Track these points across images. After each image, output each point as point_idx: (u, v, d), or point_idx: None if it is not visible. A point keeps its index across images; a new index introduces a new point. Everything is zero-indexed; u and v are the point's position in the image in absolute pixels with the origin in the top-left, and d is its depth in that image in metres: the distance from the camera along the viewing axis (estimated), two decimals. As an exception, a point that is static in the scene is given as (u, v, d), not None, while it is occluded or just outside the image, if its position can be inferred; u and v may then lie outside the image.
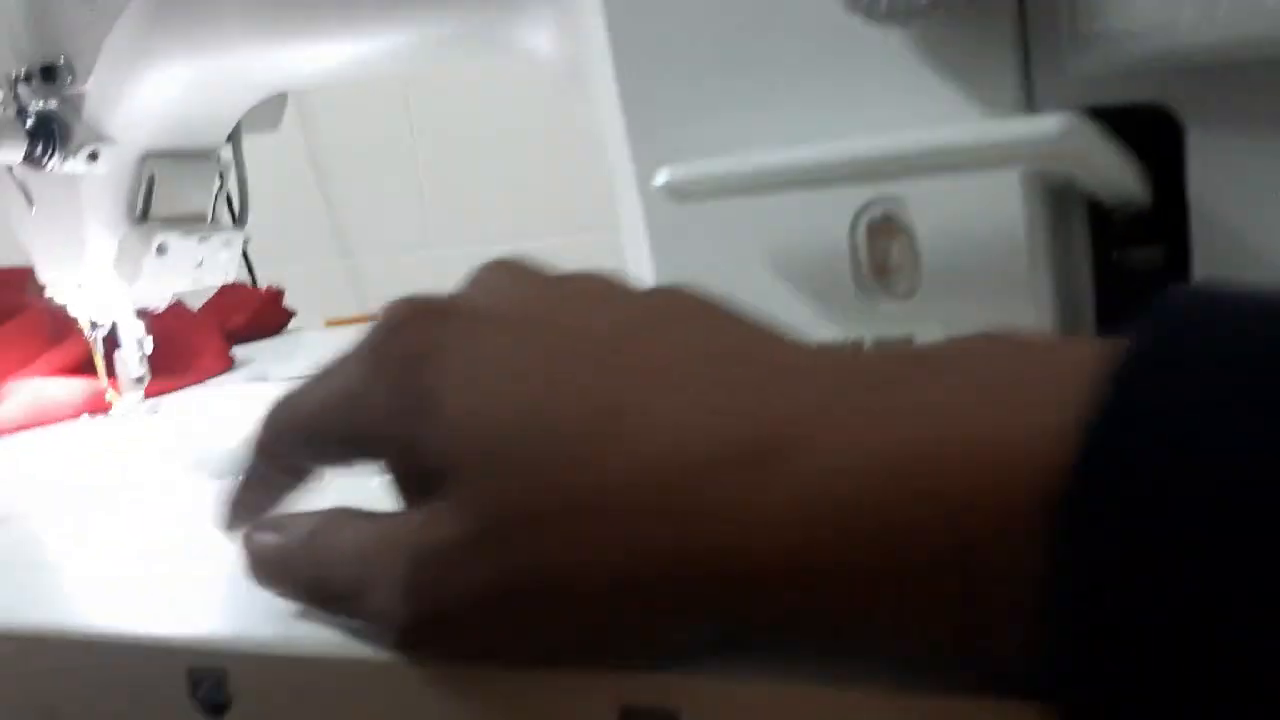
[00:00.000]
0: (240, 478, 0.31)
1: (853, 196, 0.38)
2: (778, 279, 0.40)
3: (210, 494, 0.32)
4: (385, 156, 1.40)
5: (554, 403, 0.24)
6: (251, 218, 0.76)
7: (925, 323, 0.38)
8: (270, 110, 0.65)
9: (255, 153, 0.65)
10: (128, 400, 0.62)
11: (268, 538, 0.29)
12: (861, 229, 0.38)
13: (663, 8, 0.39)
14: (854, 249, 0.38)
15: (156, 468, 0.51)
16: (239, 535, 0.30)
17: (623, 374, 0.24)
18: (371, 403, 0.27)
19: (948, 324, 0.38)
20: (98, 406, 0.64)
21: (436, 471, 0.25)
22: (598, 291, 0.28)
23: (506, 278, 0.29)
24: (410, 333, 0.27)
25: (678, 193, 0.37)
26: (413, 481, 0.27)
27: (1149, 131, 0.36)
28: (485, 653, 0.25)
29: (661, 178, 0.37)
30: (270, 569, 0.29)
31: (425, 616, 0.25)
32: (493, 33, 0.46)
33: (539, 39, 0.46)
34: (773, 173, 0.37)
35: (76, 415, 0.65)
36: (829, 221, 0.38)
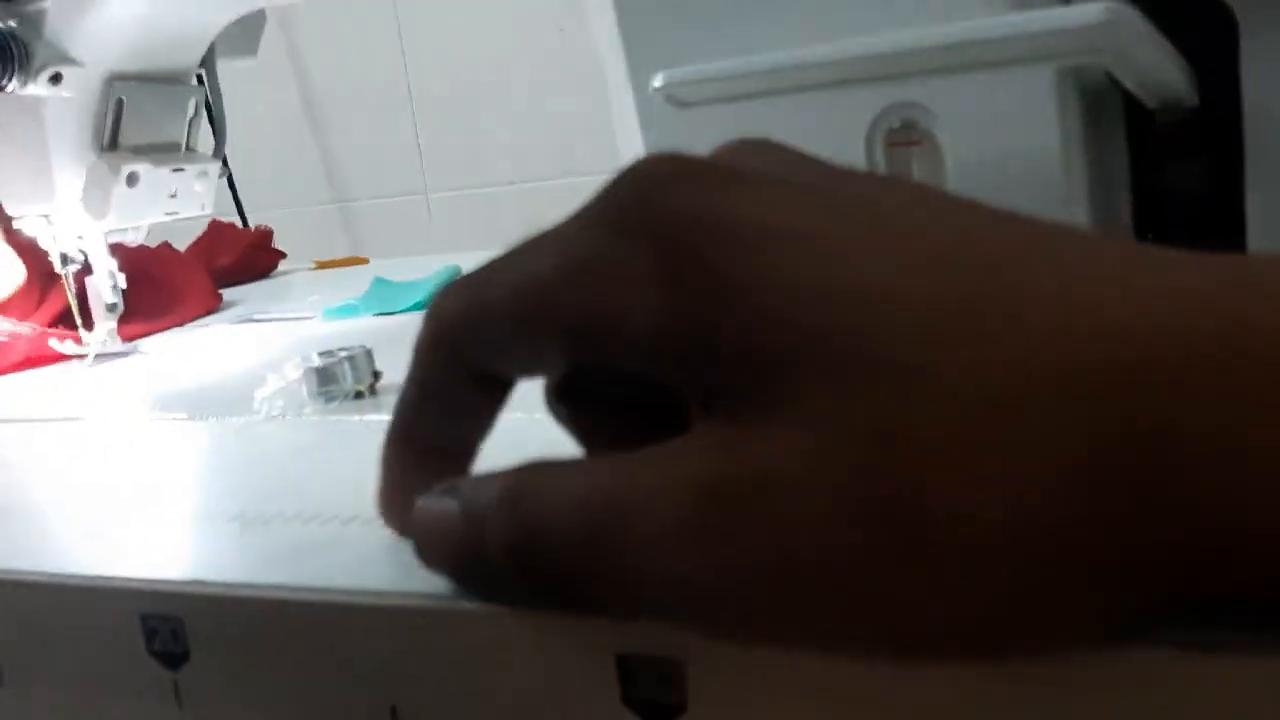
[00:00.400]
0: (404, 399, 0.24)
1: (869, 102, 0.35)
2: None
3: (178, 434, 0.28)
4: (377, 91, 1.35)
5: (937, 277, 0.17)
6: (240, 155, 0.72)
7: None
8: (247, 34, 0.62)
9: (242, 88, 0.62)
10: (100, 331, 0.59)
11: (445, 504, 0.22)
12: (879, 138, 0.35)
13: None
14: (871, 160, 0.35)
15: (123, 407, 0.49)
16: (394, 495, 0.25)
17: (999, 243, 0.18)
18: (631, 273, 0.19)
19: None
20: (42, 355, 0.60)
21: (749, 368, 0.18)
22: (865, 173, 0.22)
23: (755, 155, 0.22)
24: (684, 191, 0.20)
25: (676, 98, 0.34)
26: (699, 394, 0.20)
27: (1198, 27, 0.33)
28: (829, 636, 0.18)
29: (658, 80, 0.34)
30: (453, 543, 0.22)
31: (731, 583, 0.18)
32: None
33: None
34: (779, 73, 0.33)
35: (22, 363, 0.60)
36: (843, 130, 0.35)
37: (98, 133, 0.54)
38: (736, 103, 0.35)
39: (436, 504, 0.22)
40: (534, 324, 0.21)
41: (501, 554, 0.21)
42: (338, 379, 0.42)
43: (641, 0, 0.37)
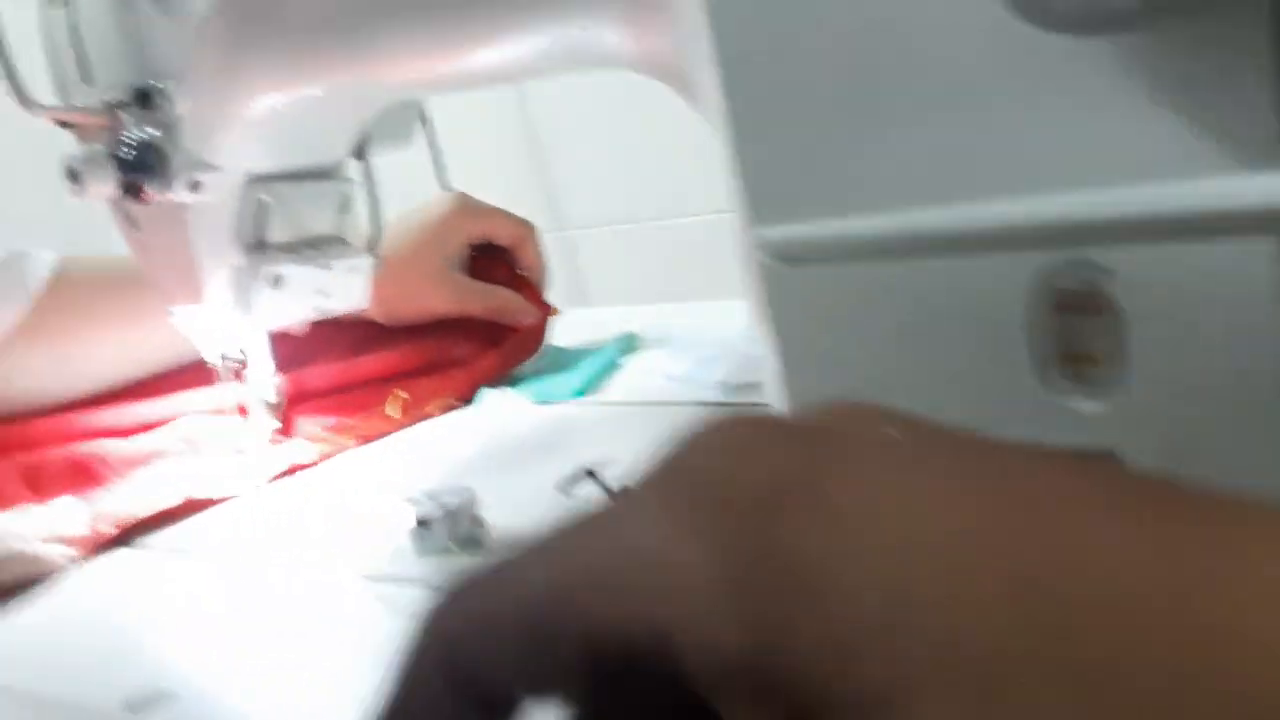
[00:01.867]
0: None
1: (1036, 256, 0.28)
2: (928, 363, 0.30)
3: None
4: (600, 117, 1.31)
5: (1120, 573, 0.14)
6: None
7: (1135, 430, 0.28)
8: (399, 123, 0.60)
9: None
10: (256, 422, 0.59)
11: None
12: (1047, 300, 0.28)
13: (781, 25, 0.30)
14: (1033, 325, 0.28)
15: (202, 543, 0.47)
16: None
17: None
18: (691, 572, 0.16)
19: (1168, 433, 0.28)
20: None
21: (850, 695, 0.14)
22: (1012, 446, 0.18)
23: (859, 420, 0.19)
24: (767, 463, 0.16)
25: (787, 257, 0.29)
26: None
27: None
28: None
29: (765, 235, 0.28)
30: None
31: None
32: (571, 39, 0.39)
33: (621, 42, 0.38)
34: (919, 239, 0.27)
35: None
36: (1001, 287, 0.29)
37: (242, 233, 0.53)
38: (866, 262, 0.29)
39: None
40: (554, 638, 0.17)
41: None
42: (434, 533, 0.38)
43: (762, 140, 0.31)
